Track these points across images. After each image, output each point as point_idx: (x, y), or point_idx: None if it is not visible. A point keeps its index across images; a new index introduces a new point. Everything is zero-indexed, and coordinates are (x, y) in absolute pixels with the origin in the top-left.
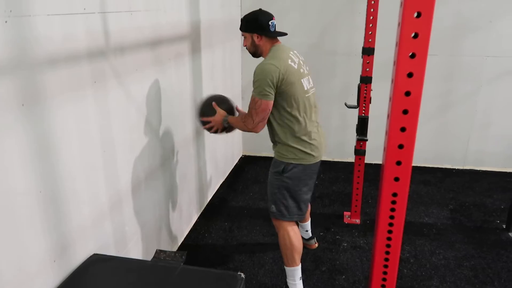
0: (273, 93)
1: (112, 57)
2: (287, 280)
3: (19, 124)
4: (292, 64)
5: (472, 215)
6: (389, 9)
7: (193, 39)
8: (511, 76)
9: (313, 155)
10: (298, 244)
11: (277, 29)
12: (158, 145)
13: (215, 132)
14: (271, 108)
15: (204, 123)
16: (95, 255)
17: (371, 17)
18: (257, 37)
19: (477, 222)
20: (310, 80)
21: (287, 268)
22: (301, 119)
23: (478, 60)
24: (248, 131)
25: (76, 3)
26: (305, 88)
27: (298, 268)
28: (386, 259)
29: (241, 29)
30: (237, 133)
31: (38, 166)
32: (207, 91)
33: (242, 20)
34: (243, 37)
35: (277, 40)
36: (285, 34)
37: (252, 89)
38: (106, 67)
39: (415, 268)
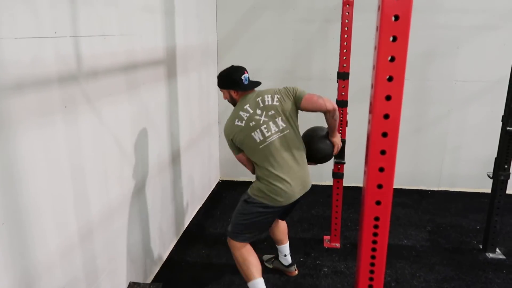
0: (236, 147)
1: (84, 82)
2: None
3: None
4: (239, 123)
5: (450, 236)
6: (362, 35)
7: (169, 64)
8: (479, 100)
9: (278, 200)
10: (252, 258)
11: (250, 79)
12: (132, 171)
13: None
14: (244, 158)
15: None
16: None
17: (345, 43)
18: (234, 92)
19: (455, 243)
20: (279, 122)
21: (248, 284)
22: (265, 166)
23: (448, 84)
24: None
25: (46, 26)
26: (258, 140)
27: (259, 281)
28: (370, 286)
29: (218, 85)
30: (214, 158)
31: (0, 196)
32: (183, 116)
33: (217, 77)
34: (221, 92)
35: (253, 90)
36: (258, 83)
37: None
38: (77, 92)
39: None
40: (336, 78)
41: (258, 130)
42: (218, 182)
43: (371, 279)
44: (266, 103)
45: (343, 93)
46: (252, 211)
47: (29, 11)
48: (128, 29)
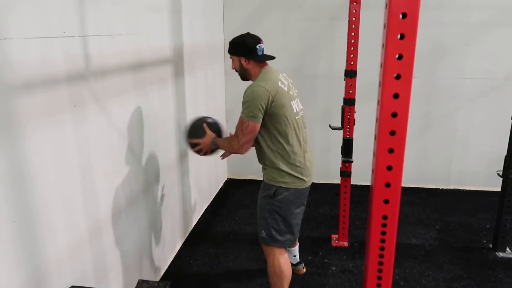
0: (262, 115)
1: (93, 81)
2: None
3: None
4: (282, 86)
5: (459, 235)
6: (369, 33)
7: (176, 63)
8: (488, 97)
9: (303, 180)
10: (288, 272)
11: (265, 53)
12: (140, 170)
13: (204, 154)
14: (258, 130)
15: (193, 146)
16: (73, 287)
17: (352, 41)
18: (245, 61)
19: (464, 242)
20: (299, 102)
21: None
22: (291, 142)
23: (456, 82)
24: (234, 152)
25: (55, 26)
26: (295, 111)
27: None
28: (379, 284)
29: (229, 52)
30: None
31: (11, 195)
32: (190, 115)
33: (230, 43)
34: (231, 59)
35: (266, 64)
36: (273, 57)
37: (240, 109)
38: (86, 91)
39: None
40: (343, 76)
41: (294, 101)
42: (226, 181)
43: (379, 278)
44: (290, 80)
45: (350, 91)
46: (283, 203)
47: (38, 12)
48: (135, 29)
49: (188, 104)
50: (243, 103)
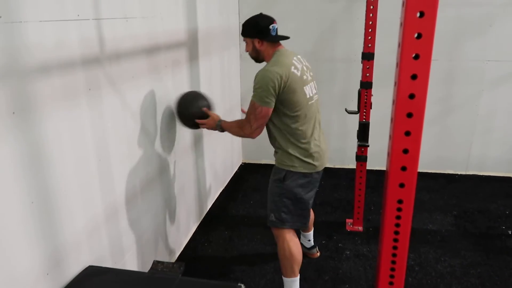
0: (274, 100)
1: (107, 64)
2: None
3: (10, 133)
4: (295, 71)
5: (477, 221)
6: (388, 14)
7: (191, 47)
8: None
9: (314, 165)
10: (298, 255)
11: (278, 33)
12: (155, 153)
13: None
14: (270, 115)
15: (193, 124)
16: (90, 267)
17: (370, 22)
18: (258, 42)
19: (482, 229)
20: (314, 86)
21: (285, 279)
22: (302, 127)
23: (479, 64)
24: (243, 137)
25: (69, 9)
26: (308, 96)
27: (297, 280)
28: (392, 269)
29: (242, 34)
30: (237, 141)
31: (30, 176)
32: None
33: (242, 24)
34: (244, 42)
35: (280, 45)
36: (287, 37)
37: (252, 94)
38: (101, 75)
39: (420, 277)
40: (360, 59)
41: (308, 86)
42: (241, 165)
43: (393, 262)
44: (305, 63)
45: (367, 74)
46: (292, 187)
47: None
48: (149, 11)
49: (203, 88)
50: (255, 87)
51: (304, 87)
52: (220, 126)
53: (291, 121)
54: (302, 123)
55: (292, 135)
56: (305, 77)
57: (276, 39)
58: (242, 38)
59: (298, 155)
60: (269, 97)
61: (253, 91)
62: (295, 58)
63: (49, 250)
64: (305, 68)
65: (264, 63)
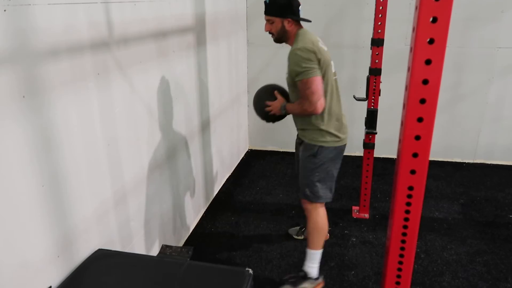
0: (318, 68)
1: (116, 49)
2: (307, 264)
3: (21, 116)
4: (323, 46)
5: (484, 209)
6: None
7: (198, 32)
8: None
9: (341, 138)
10: (326, 228)
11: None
12: (163, 139)
13: (273, 120)
14: (322, 83)
15: (261, 107)
16: (99, 250)
17: (381, 7)
18: (289, 22)
19: (489, 217)
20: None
21: (311, 251)
22: (331, 101)
23: (489, 51)
24: (310, 114)
25: None
26: (333, 71)
27: (321, 252)
28: (401, 255)
29: (270, 13)
30: (243, 127)
31: (40, 160)
32: (213, 84)
33: (271, 3)
34: (269, 21)
35: (301, 26)
36: (309, 20)
37: (292, 76)
38: (109, 59)
39: (426, 264)
40: (369, 46)
41: (332, 62)
42: (247, 151)
43: (402, 248)
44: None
45: (376, 61)
46: (324, 161)
47: None
48: None
49: (210, 73)
50: (295, 66)
51: (331, 63)
52: (284, 107)
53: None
54: (331, 97)
55: (326, 111)
56: (329, 55)
57: (302, 20)
58: (250, 24)
59: (331, 130)
60: (314, 66)
61: (295, 71)
62: (318, 38)
63: (60, 233)
64: (326, 48)
65: (282, 46)
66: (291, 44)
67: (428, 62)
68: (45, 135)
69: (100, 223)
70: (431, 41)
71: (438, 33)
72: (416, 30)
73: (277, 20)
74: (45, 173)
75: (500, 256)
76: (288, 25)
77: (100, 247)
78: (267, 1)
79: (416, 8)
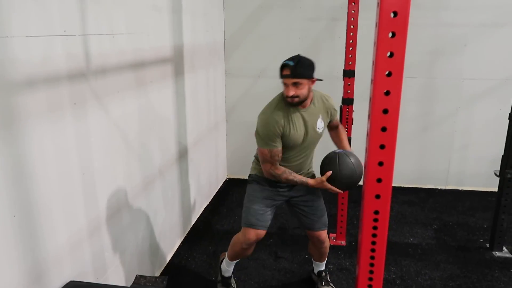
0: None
1: (93, 79)
2: (222, 266)
3: None
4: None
5: (456, 234)
6: (368, 33)
7: (176, 63)
8: (487, 98)
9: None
10: (241, 251)
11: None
12: (140, 168)
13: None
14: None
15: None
16: (72, 282)
17: (351, 41)
18: (313, 82)
19: (461, 242)
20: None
21: (225, 260)
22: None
23: (455, 82)
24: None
25: (56, 25)
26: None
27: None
28: (370, 279)
29: (300, 76)
30: (221, 156)
31: (12, 189)
32: (191, 113)
33: (300, 65)
34: (295, 84)
35: None
36: (320, 79)
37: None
38: (86, 89)
39: None
40: (341, 76)
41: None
42: (225, 180)
43: (371, 272)
44: None
45: (348, 91)
46: (249, 188)
47: (39, 10)
48: (136, 28)
49: (188, 103)
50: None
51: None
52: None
53: None
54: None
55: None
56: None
57: (318, 80)
58: (227, 55)
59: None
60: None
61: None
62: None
63: (31, 264)
64: None
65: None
66: (306, 105)
67: (387, 93)
68: (19, 164)
69: (73, 253)
70: (389, 74)
71: (395, 67)
72: (375, 64)
73: (306, 82)
74: (16, 203)
75: (473, 279)
76: (312, 85)
77: (73, 279)
78: (292, 63)
79: (374, 44)
